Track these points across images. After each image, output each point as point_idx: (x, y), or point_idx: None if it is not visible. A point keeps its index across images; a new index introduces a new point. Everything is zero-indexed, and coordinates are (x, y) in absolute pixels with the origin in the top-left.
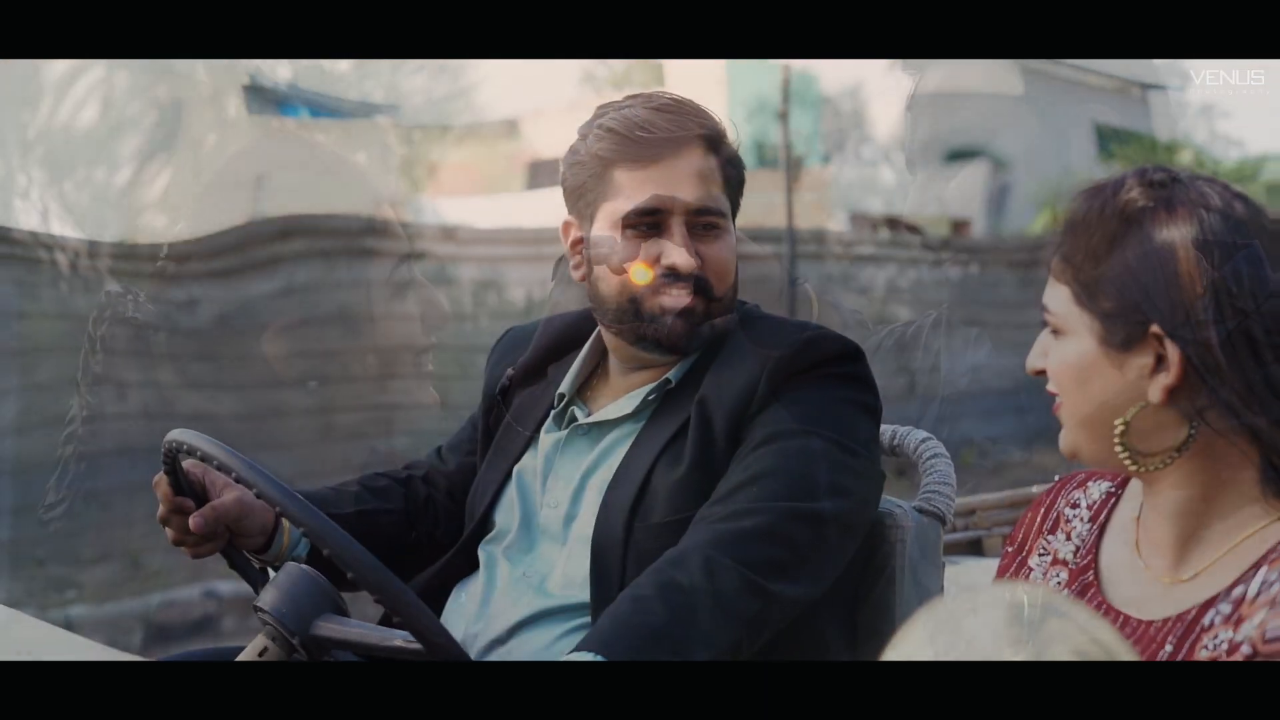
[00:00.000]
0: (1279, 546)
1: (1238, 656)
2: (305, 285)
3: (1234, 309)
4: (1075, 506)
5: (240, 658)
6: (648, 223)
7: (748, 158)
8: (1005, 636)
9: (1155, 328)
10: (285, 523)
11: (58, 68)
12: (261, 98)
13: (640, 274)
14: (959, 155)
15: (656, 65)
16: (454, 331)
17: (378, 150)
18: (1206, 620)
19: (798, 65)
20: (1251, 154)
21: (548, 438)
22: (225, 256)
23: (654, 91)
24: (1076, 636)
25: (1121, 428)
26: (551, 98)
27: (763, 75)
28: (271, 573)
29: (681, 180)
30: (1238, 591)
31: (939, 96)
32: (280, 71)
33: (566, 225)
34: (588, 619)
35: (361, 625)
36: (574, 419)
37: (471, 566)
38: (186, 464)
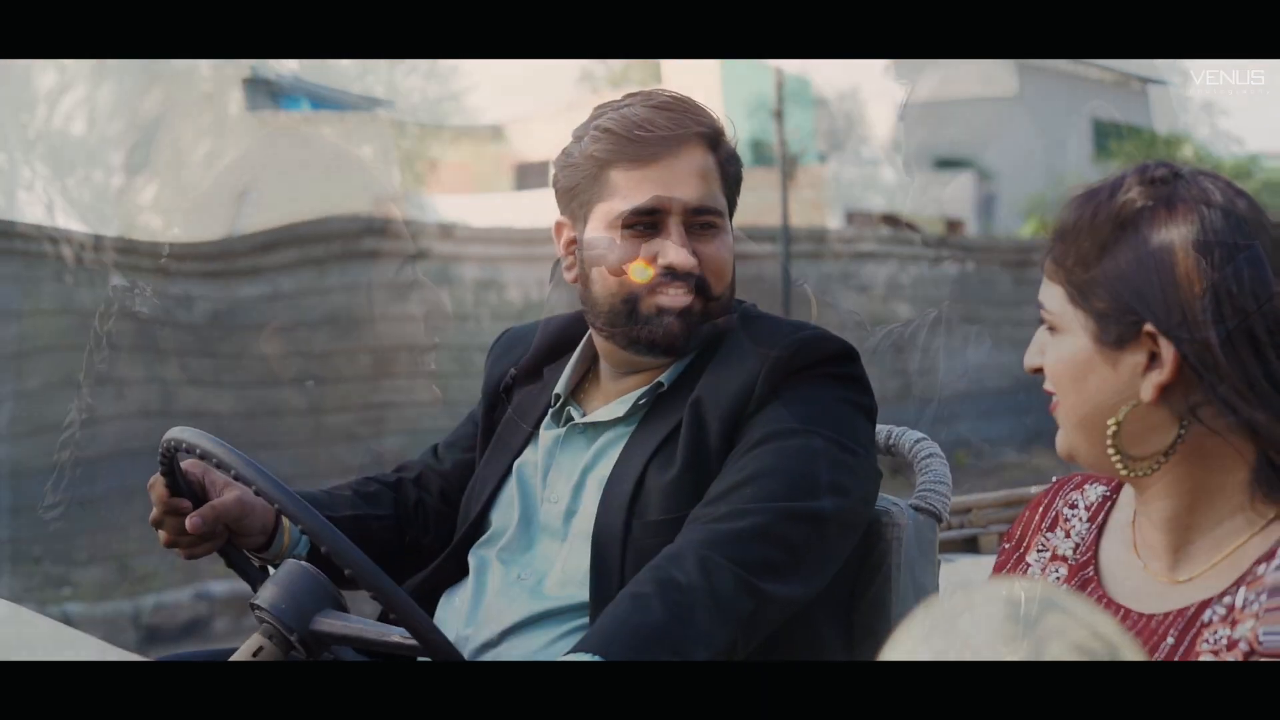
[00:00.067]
0: (1253, 569)
1: (1237, 653)
2: (293, 292)
3: (1235, 308)
4: (1074, 507)
5: (234, 657)
6: (645, 222)
7: (743, 155)
8: (1003, 634)
9: (1149, 326)
10: (286, 521)
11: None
12: (261, 91)
13: (640, 272)
14: (949, 164)
15: (655, 64)
16: (453, 330)
17: (380, 144)
18: (1206, 617)
19: (793, 62)
20: (1245, 153)
21: (548, 434)
22: (215, 260)
23: (653, 89)
24: (1077, 631)
25: (1113, 428)
26: (551, 98)
27: (758, 72)
28: (271, 571)
29: (681, 179)
30: (1228, 599)
31: (931, 105)
32: (283, 63)
33: (559, 226)
34: (584, 621)
35: (361, 621)
36: (570, 418)
37: (462, 572)
38: (186, 464)
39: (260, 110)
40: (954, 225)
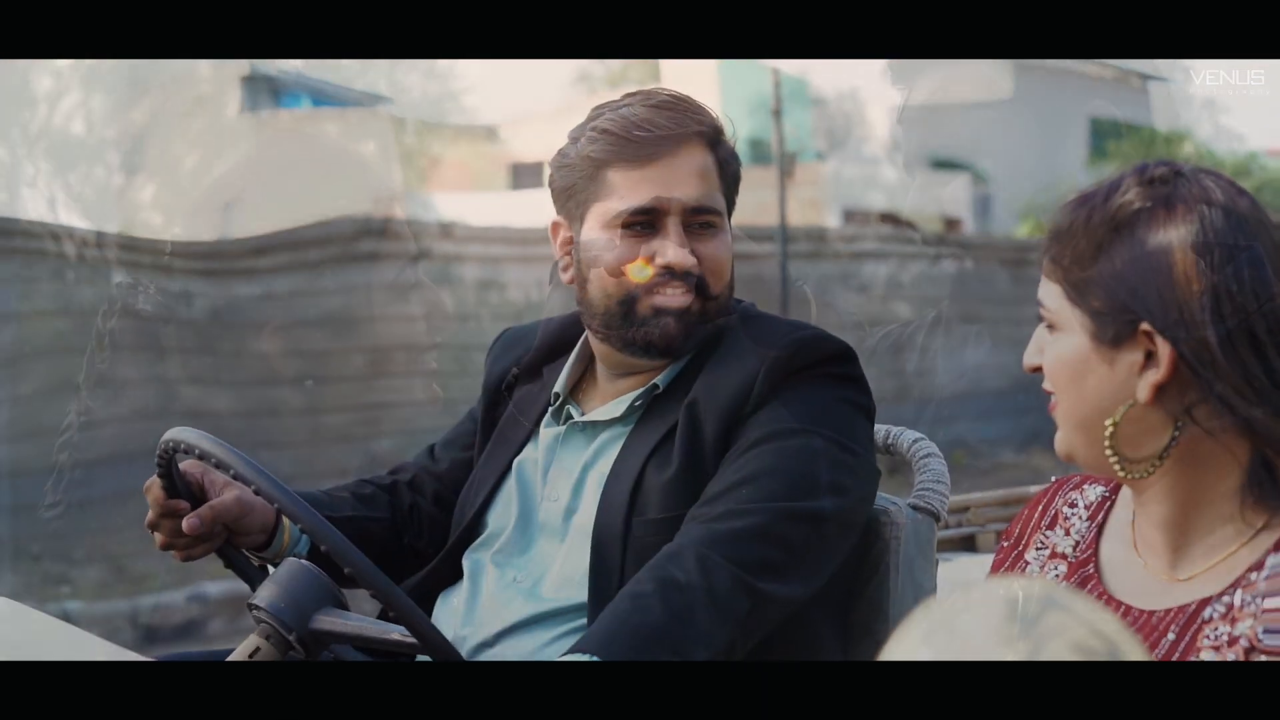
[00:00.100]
0: (1245, 575)
1: (1238, 649)
2: (292, 292)
3: (1235, 307)
4: (1073, 505)
5: (231, 658)
6: (643, 222)
7: (741, 154)
8: (1002, 632)
9: (1145, 325)
10: (286, 520)
11: (57, 66)
12: (260, 89)
13: (639, 271)
14: (945, 166)
15: (653, 64)
16: (453, 330)
17: (381, 141)
18: (1206, 614)
19: (792, 62)
20: (1246, 151)
21: (547, 432)
22: (216, 259)
23: (652, 89)
24: (1076, 629)
25: (1110, 429)
26: (549, 98)
27: (756, 72)
28: (271, 570)
29: (680, 179)
30: (1227, 599)
31: (928, 108)
32: (285, 61)
33: (555, 225)
34: (581, 623)
35: (361, 619)
36: (570, 416)
37: (457, 575)
38: (185, 464)
39: (260, 108)
40: (952, 223)
